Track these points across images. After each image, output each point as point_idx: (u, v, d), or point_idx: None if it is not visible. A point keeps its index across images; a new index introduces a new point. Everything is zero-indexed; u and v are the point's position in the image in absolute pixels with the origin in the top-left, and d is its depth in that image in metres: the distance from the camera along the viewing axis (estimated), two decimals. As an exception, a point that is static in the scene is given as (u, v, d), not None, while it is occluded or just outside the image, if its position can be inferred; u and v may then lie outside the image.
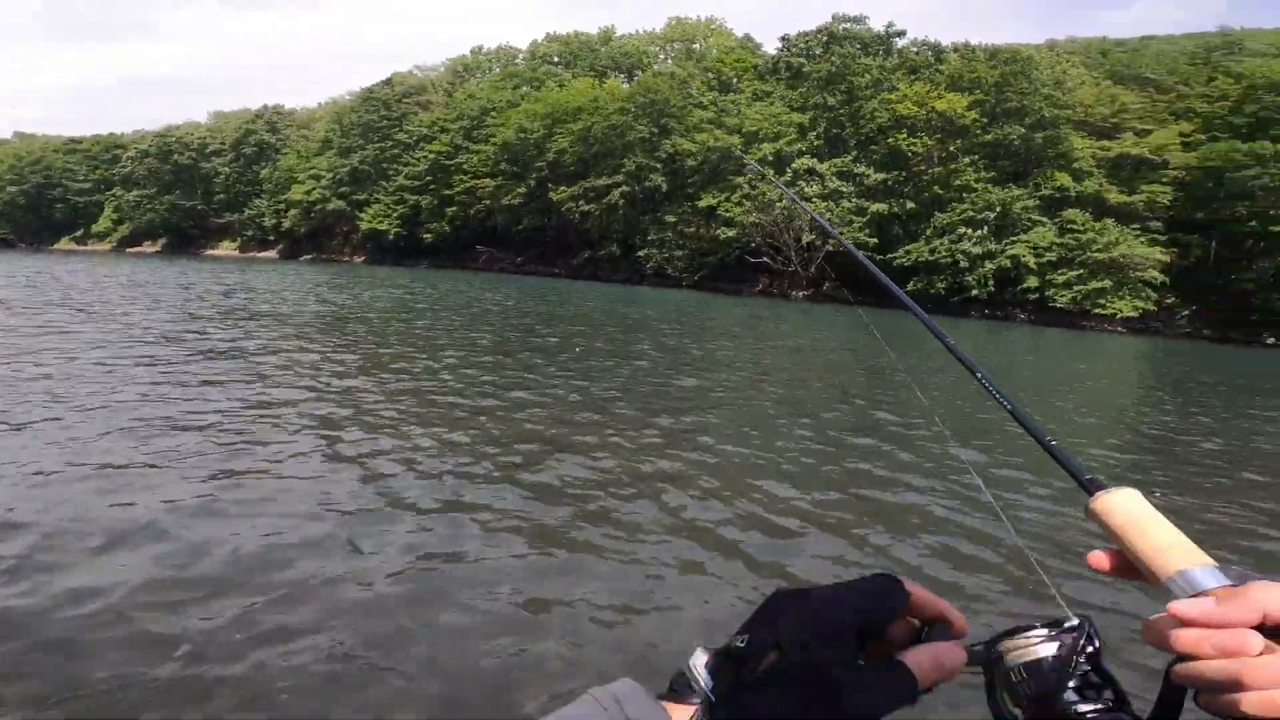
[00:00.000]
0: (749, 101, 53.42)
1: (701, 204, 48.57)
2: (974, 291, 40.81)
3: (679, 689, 0.51)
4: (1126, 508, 0.56)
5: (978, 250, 41.00)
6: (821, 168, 48.65)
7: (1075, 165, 39.35)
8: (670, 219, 48.68)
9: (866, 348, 16.40)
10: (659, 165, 49.72)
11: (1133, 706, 0.52)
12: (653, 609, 3.54)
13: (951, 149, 45.14)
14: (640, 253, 47.96)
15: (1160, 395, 13.69)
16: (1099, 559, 0.58)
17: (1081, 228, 37.46)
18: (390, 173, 62.98)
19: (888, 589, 0.55)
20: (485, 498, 4.95)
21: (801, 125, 50.83)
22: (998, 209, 41.12)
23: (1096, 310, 35.99)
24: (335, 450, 5.79)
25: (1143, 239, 35.57)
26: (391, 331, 14.45)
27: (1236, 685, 0.45)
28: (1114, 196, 36.91)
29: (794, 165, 48.80)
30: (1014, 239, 40.02)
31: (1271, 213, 30.03)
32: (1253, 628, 0.46)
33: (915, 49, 53.25)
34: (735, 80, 56.53)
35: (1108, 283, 35.70)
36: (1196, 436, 9.14)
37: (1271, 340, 29.77)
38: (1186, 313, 34.28)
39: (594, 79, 55.69)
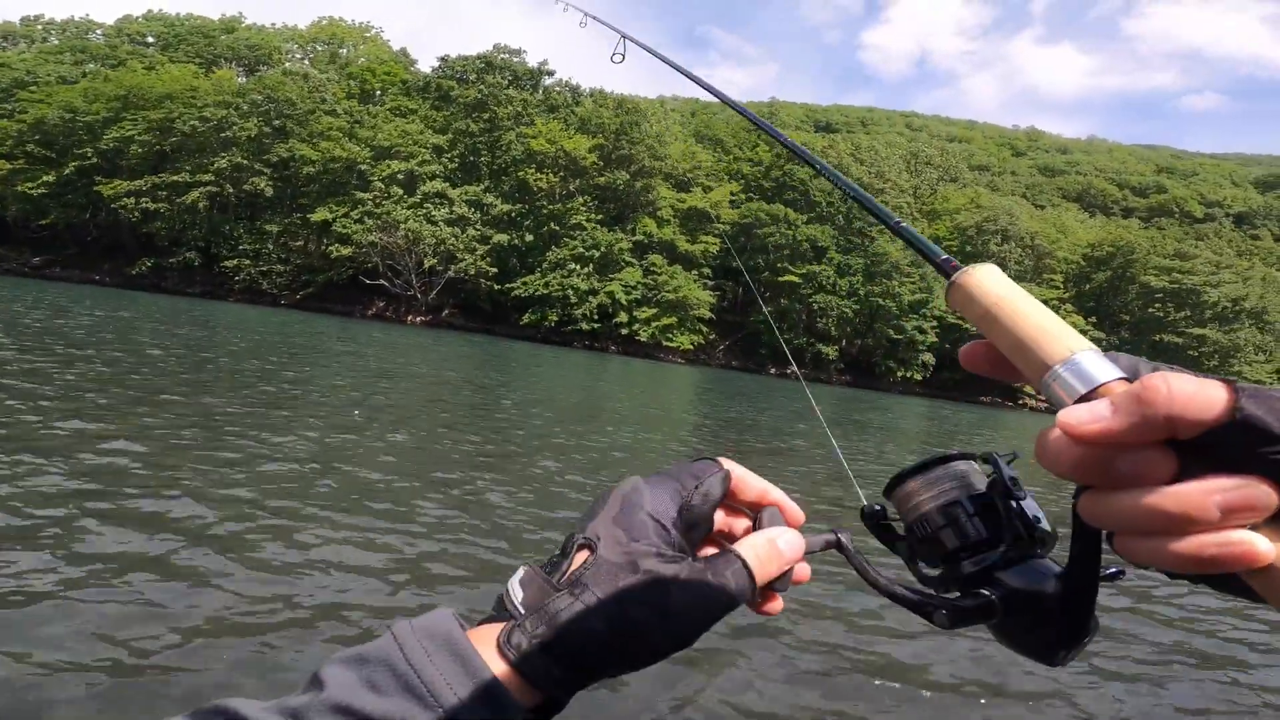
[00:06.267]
0: (389, 116, 51.04)
1: (315, 217, 44.66)
2: (581, 325, 42.53)
3: (497, 610, 0.45)
4: (993, 286, 0.43)
5: (585, 286, 42.93)
6: (453, 193, 47.86)
7: (659, 213, 43.22)
8: (272, 229, 43.96)
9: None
10: (267, 170, 44.83)
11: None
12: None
13: (571, 188, 47.21)
14: (228, 263, 42.38)
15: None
16: (970, 353, 0.44)
17: (659, 270, 41.02)
18: None
19: (703, 467, 0.50)
20: None
21: (439, 147, 49.71)
22: (602, 248, 43.59)
23: (666, 343, 39.38)
24: None
25: (699, 283, 39.93)
26: None
27: (1159, 525, 0.31)
28: (682, 244, 41.04)
29: (424, 188, 47.35)
30: (612, 277, 42.59)
31: (778, 265, 35.52)
32: (1161, 440, 0.32)
33: (559, 89, 55.52)
34: (379, 93, 53.92)
35: (675, 320, 39.32)
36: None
37: (774, 370, 34.75)
38: (723, 347, 39.18)
39: (200, 68, 49.00)
